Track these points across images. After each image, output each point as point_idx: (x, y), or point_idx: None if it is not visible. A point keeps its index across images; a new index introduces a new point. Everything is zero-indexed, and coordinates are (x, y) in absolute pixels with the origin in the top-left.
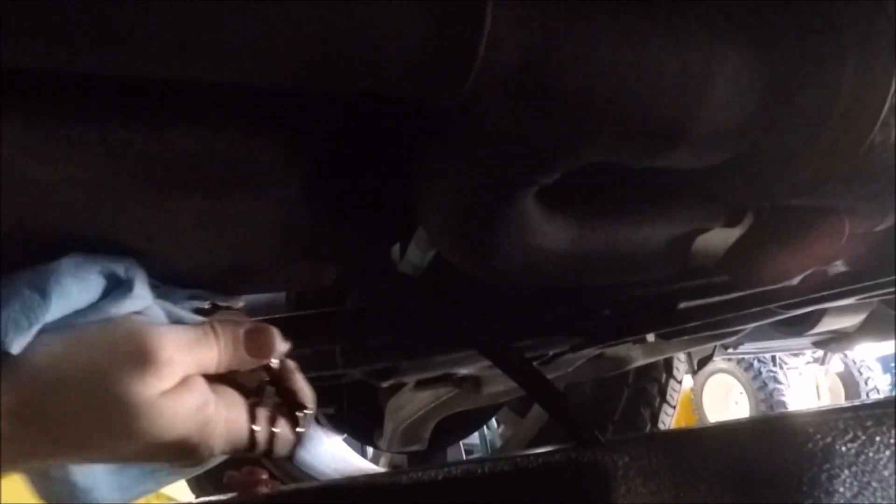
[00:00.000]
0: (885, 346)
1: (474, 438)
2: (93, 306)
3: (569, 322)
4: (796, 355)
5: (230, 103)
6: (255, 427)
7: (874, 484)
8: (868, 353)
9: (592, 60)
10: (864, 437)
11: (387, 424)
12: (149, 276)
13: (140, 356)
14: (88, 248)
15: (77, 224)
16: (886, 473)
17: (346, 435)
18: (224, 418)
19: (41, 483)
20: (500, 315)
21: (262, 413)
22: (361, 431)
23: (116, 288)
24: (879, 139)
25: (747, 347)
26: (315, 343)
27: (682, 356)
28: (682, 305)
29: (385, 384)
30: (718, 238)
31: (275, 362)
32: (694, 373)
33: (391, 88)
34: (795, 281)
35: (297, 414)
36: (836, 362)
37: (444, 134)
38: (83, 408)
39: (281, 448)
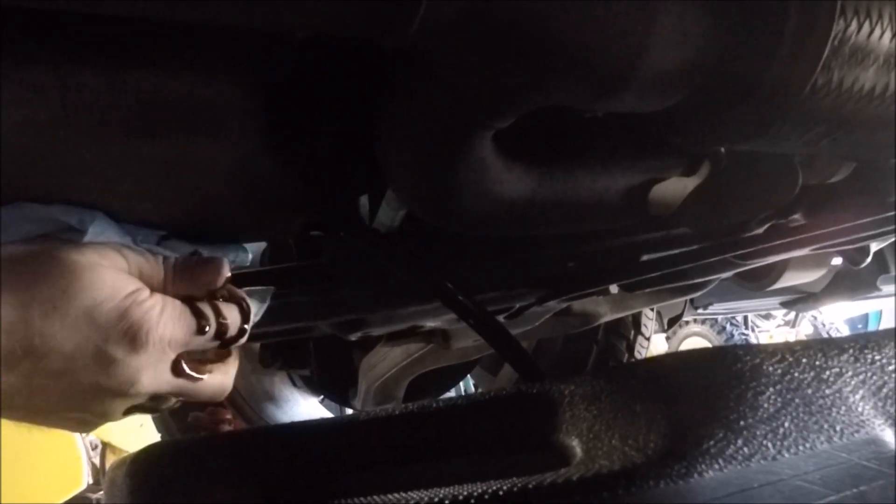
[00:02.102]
0: (853, 308)
1: None
2: None
3: (534, 274)
4: (767, 318)
5: (186, 47)
6: (202, 310)
7: (797, 400)
8: (836, 315)
9: (538, 1)
10: (791, 359)
11: (361, 384)
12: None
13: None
14: (43, 192)
15: (31, 168)
16: (810, 391)
17: (322, 397)
18: (162, 304)
19: None
20: (467, 267)
21: (204, 306)
22: (337, 392)
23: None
24: (821, 82)
25: (717, 307)
26: (282, 297)
27: (650, 313)
28: (645, 257)
29: (353, 337)
30: (675, 187)
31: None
32: (665, 331)
33: (337, 28)
34: (758, 232)
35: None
36: (806, 325)
37: (400, 80)
38: (33, 281)
39: (234, 330)
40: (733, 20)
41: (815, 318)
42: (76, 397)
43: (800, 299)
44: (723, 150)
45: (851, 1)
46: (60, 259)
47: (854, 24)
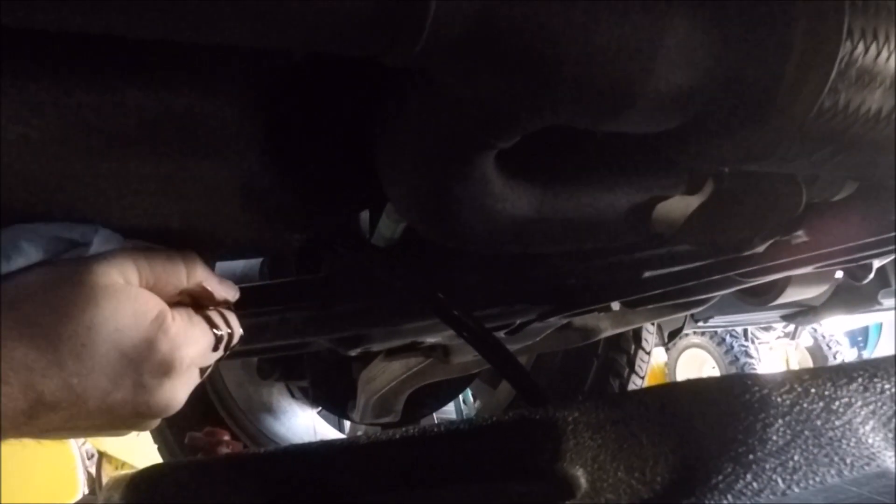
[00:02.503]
0: (853, 321)
1: (452, 414)
2: None
3: (535, 290)
4: (767, 330)
5: (185, 65)
6: (216, 330)
7: (807, 432)
8: (836, 328)
9: (544, 21)
10: (799, 389)
11: (359, 396)
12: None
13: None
14: (43, 210)
15: (30, 186)
16: (819, 423)
17: (320, 409)
18: (185, 326)
19: None
20: (467, 282)
21: (215, 315)
22: (336, 404)
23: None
24: (828, 104)
25: (717, 321)
26: (282, 311)
27: (651, 328)
28: (647, 274)
29: (353, 353)
30: (679, 205)
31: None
32: (665, 345)
33: (343, 48)
34: (760, 249)
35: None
36: (805, 337)
37: (404, 97)
38: (50, 300)
39: (237, 338)
40: (739, 41)
41: (816, 330)
42: (117, 423)
43: (800, 312)
44: (727, 168)
45: (858, 22)
46: (77, 289)
47: (861, 47)
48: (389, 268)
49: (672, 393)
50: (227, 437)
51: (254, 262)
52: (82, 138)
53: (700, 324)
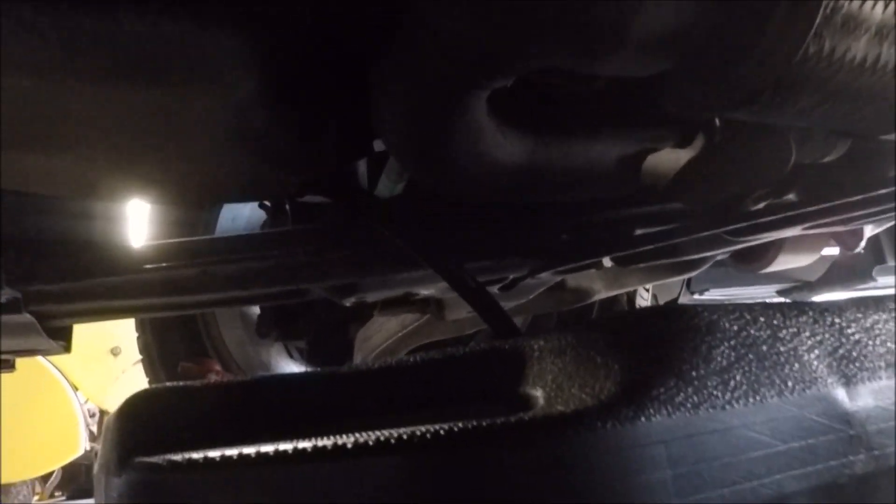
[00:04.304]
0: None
1: None
2: None
3: (528, 244)
4: None
5: None
6: None
7: (751, 356)
8: None
9: None
10: (748, 317)
11: (356, 356)
12: None
13: None
14: (44, 140)
15: (32, 112)
16: (764, 348)
17: (318, 369)
18: None
19: None
20: (461, 235)
21: None
22: (333, 364)
23: None
24: (813, 50)
25: (713, 293)
26: (278, 257)
27: (645, 294)
28: (639, 231)
29: (348, 302)
30: (669, 158)
31: None
32: None
33: None
34: (751, 208)
35: None
36: None
37: (396, 39)
38: None
39: None
40: None
41: None
42: None
43: (795, 288)
44: (717, 123)
45: None
46: None
47: None
48: (379, 211)
49: (628, 319)
50: (217, 367)
51: (256, 221)
52: (83, 65)
53: (696, 296)
